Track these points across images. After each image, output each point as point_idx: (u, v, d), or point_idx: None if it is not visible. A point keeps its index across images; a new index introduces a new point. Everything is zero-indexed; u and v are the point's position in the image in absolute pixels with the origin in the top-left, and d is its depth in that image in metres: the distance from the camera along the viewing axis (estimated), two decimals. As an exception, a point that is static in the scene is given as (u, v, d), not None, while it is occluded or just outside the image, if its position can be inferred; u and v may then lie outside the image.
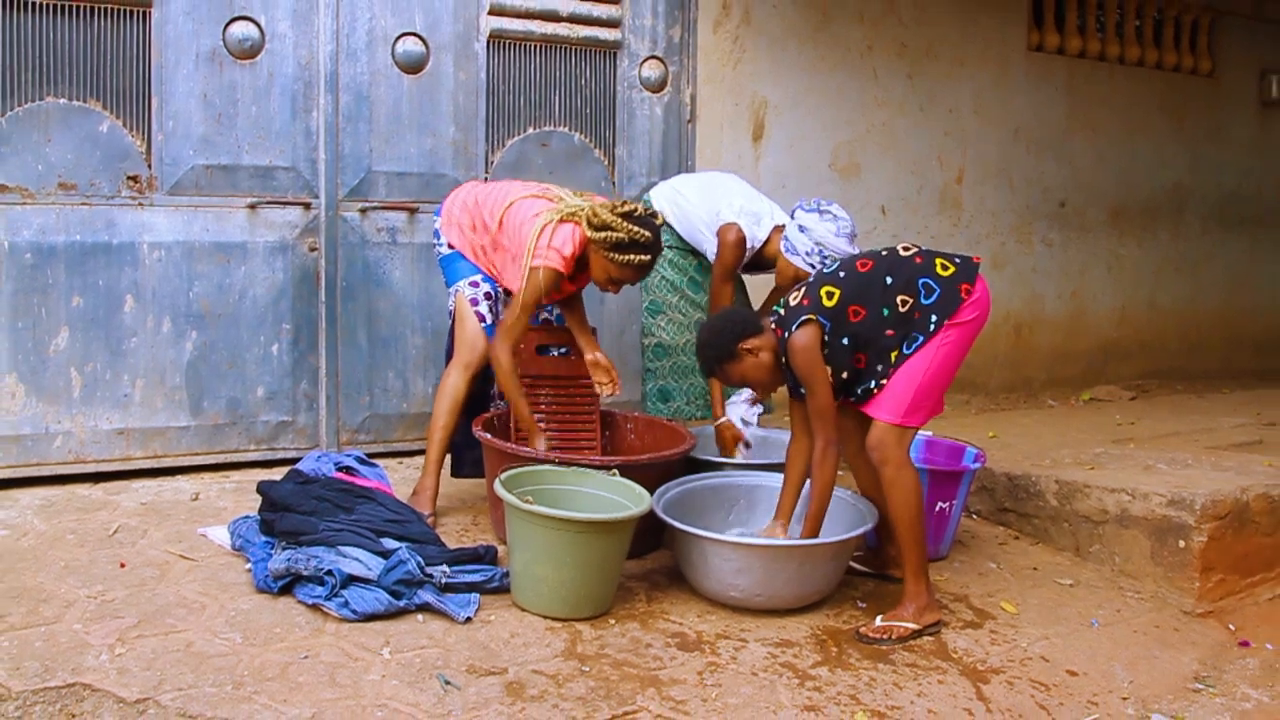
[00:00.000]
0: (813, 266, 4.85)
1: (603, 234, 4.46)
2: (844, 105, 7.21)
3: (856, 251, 4.65)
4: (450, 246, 4.88)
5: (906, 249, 4.16)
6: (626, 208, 4.53)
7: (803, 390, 4.17)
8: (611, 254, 4.47)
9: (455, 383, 4.82)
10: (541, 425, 4.73)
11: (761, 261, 5.29)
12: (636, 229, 4.46)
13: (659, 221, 4.61)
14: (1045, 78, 8.20)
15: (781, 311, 4.14)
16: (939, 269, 4.07)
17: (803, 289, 4.14)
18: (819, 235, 4.82)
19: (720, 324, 4.23)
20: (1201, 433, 6.59)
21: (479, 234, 4.80)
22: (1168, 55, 8.91)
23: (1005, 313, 7.94)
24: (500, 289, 4.87)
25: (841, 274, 4.11)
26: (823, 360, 4.01)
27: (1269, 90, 9.53)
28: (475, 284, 4.83)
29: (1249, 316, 9.69)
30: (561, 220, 4.57)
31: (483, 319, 4.81)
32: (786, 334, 4.03)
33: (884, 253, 4.16)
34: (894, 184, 7.47)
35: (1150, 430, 6.65)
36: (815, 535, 4.21)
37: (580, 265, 4.65)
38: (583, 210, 4.56)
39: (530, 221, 4.59)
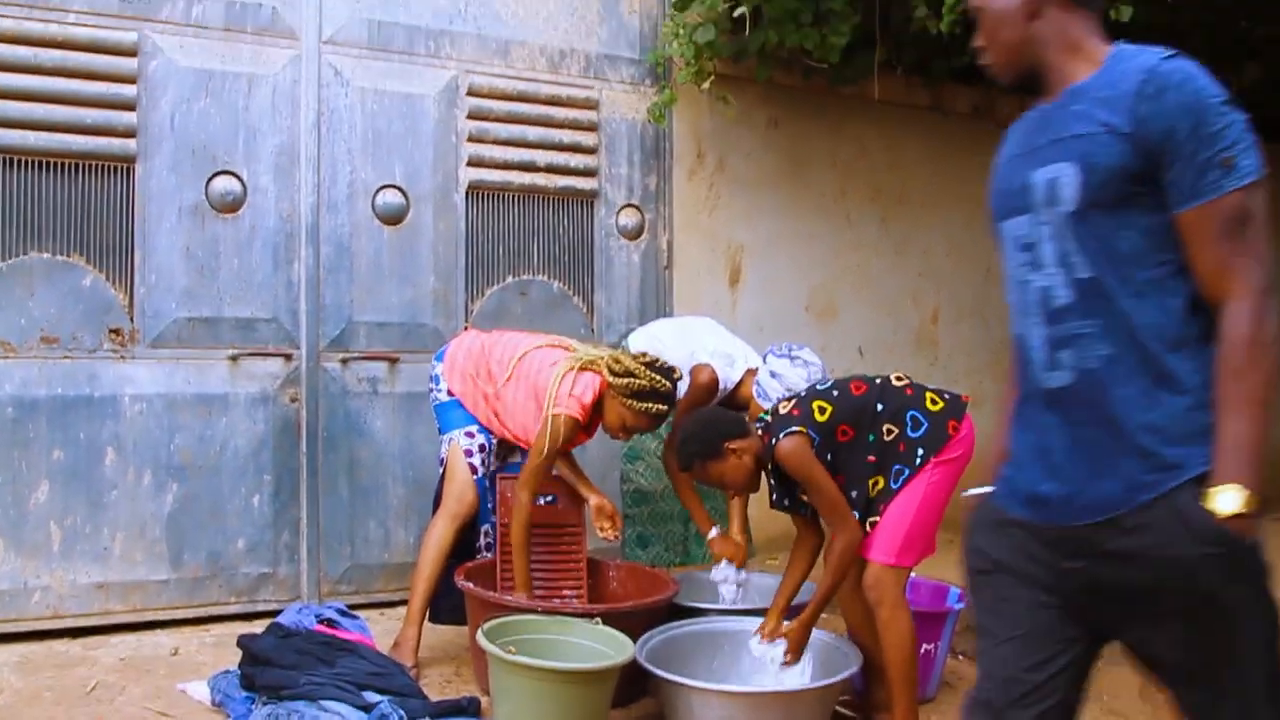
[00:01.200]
0: None
1: (625, 380, 4.51)
2: (819, 248, 7.33)
3: None
4: (450, 393, 4.91)
5: (899, 379, 4.19)
6: (648, 358, 4.60)
7: (787, 502, 4.19)
8: (631, 401, 4.52)
9: (441, 533, 4.81)
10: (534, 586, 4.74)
11: (735, 403, 5.32)
12: (658, 378, 4.53)
13: (677, 375, 4.67)
14: (1015, 217, 8.32)
15: (769, 419, 4.15)
16: (928, 403, 4.10)
17: (794, 399, 4.15)
18: (790, 382, 4.85)
19: (707, 420, 4.20)
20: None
21: (483, 381, 4.84)
22: (1134, 194, 9.08)
23: (983, 449, 7.95)
24: (494, 441, 4.90)
25: (835, 393, 4.12)
26: (817, 459, 4.01)
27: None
28: (471, 434, 4.85)
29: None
30: (581, 369, 4.63)
31: (474, 470, 4.83)
32: (774, 440, 4.03)
33: (877, 380, 4.18)
34: (870, 325, 7.55)
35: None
36: (815, 617, 4.19)
37: (590, 421, 4.70)
38: (601, 359, 4.62)
39: (548, 370, 4.65)
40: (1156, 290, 2.15)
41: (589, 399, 4.60)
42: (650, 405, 4.54)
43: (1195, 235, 2.11)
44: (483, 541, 4.99)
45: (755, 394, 5.03)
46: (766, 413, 4.22)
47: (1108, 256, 2.17)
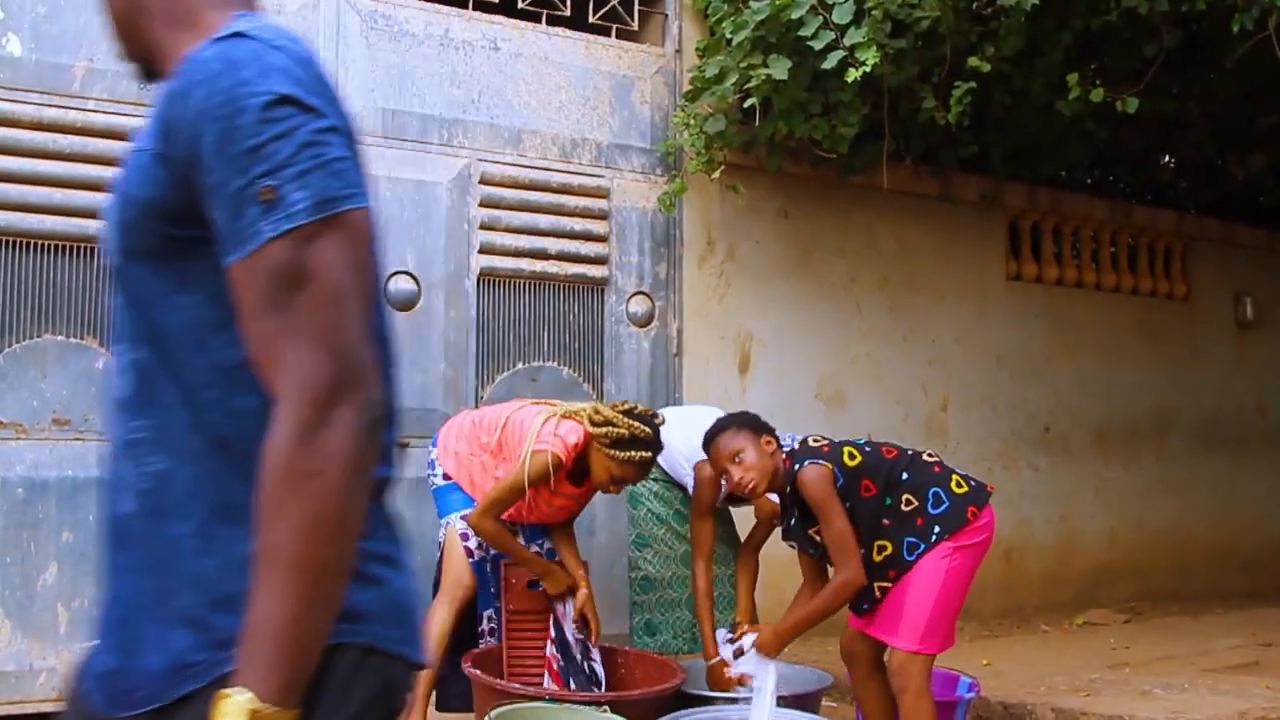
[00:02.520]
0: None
1: (604, 429, 4.52)
2: (828, 337, 7.36)
3: None
4: (446, 477, 4.92)
5: (930, 456, 4.20)
6: (626, 405, 4.62)
7: (798, 538, 4.19)
8: (613, 451, 4.52)
9: (441, 617, 4.79)
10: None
11: (743, 495, 5.30)
12: (637, 425, 4.53)
13: (659, 421, 4.67)
14: (1025, 306, 8.38)
15: (795, 446, 4.14)
16: (954, 485, 4.10)
17: (823, 440, 4.15)
18: None
19: (750, 415, 4.29)
20: (1197, 655, 6.53)
21: (477, 455, 4.84)
22: (1143, 280, 9.15)
23: (996, 538, 7.77)
24: None
25: (866, 449, 4.14)
26: (836, 495, 3.99)
27: (1244, 312, 9.74)
28: (467, 518, 4.86)
29: (1237, 536, 9.68)
30: (564, 417, 4.64)
31: (471, 555, 4.82)
32: (798, 465, 4.02)
33: (909, 451, 4.20)
34: (880, 413, 7.56)
35: (1145, 654, 6.59)
36: (793, 631, 4.16)
37: (579, 476, 4.69)
38: (584, 410, 4.63)
39: (531, 419, 4.66)
40: (224, 381, 1.45)
41: (573, 440, 4.58)
42: (633, 453, 4.54)
43: (240, 304, 1.38)
44: (485, 626, 4.97)
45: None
46: (795, 442, 4.21)
47: (156, 329, 1.49)
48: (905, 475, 4.09)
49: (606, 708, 4.22)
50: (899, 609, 4.04)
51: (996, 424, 8.18)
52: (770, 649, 4.19)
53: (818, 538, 4.14)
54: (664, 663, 4.94)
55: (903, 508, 4.06)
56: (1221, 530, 9.56)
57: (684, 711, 4.57)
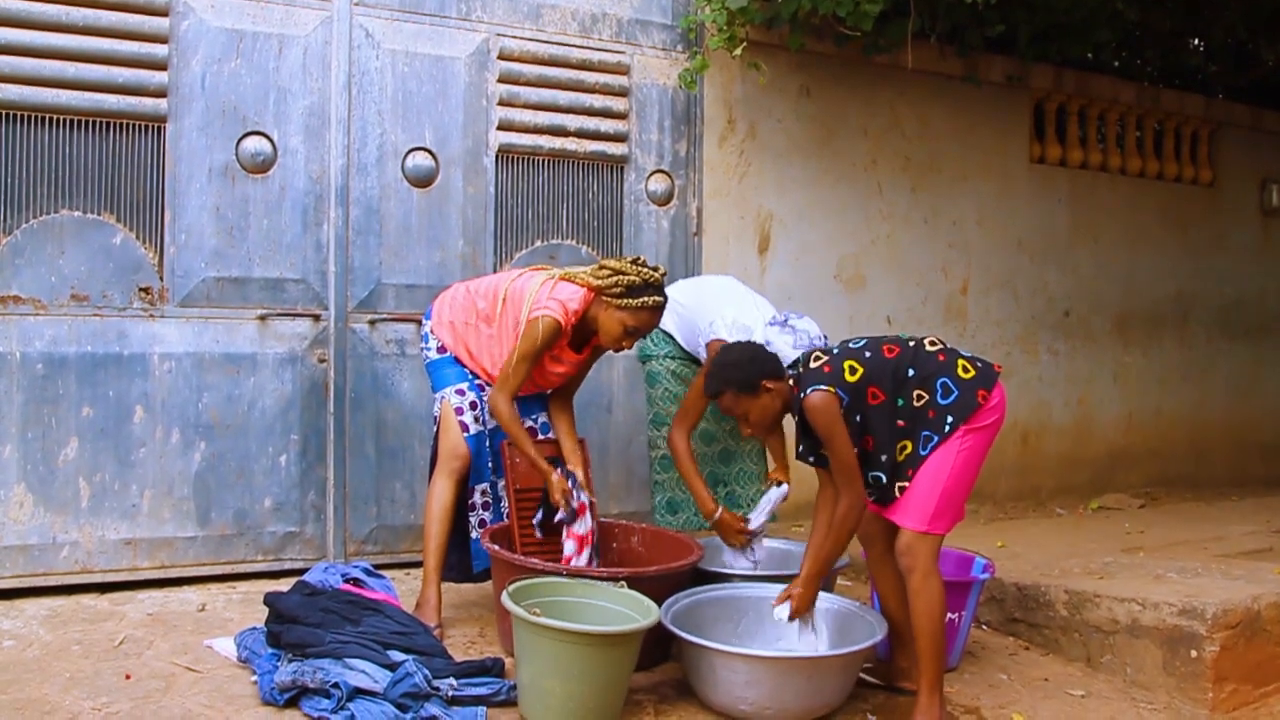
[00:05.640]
0: None
1: (614, 279, 4.51)
2: (849, 218, 7.30)
3: None
4: (440, 350, 4.91)
5: (933, 344, 4.17)
6: (630, 257, 4.61)
7: (811, 458, 4.22)
8: (626, 299, 4.53)
9: (441, 491, 4.83)
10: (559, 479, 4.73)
11: None
12: (646, 270, 4.53)
13: (662, 271, 4.67)
14: (1048, 189, 8.30)
15: (800, 369, 4.13)
16: (960, 370, 4.08)
17: (826, 355, 4.12)
18: (778, 348, 4.78)
19: (750, 354, 4.19)
20: (1211, 541, 6.55)
21: (473, 323, 4.83)
22: (1169, 166, 9.03)
23: (1012, 421, 7.88)
24: (486, 396, 4.87)
25: (867, 354, 4.10)
26: (842, 420, 3.99)
27: (1270, 199, 9.63)
28: (461, 392, 4.86)
29: (1255, 424, 9.69)
30: (562, 279, 4.61)
31: (466, 429, 4.83)
32: (803, 394, 4.01)
33: (910, 343, 4.16)
34: (899, 295, 7.53)
35: (1159, 538, 6.62)
36: (818, 579, 4.24)
37: (579, 343, 4.67)
38: (583, 271, 4.61)
39: (529, 283, 4.65)
40: None
41: (574, 306, 4.57)
42: (646, 299, 4.54)
43: None
44: (478, 500, 4.99)
45: None
46: (797, 362, 4.19)
47: None
48: (911, 371, 4.07)
49: (623, 583, 4.26)
50: (910, 492, 4.05)
51: (1016, 308, 8.14)
52: (806, 606, 4.28)
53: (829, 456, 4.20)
54: (681, 540, 4.97)
55: (914, 404, 4.05)
56: (1239, 417, 9.57)
57: (700, 588, 4.61)
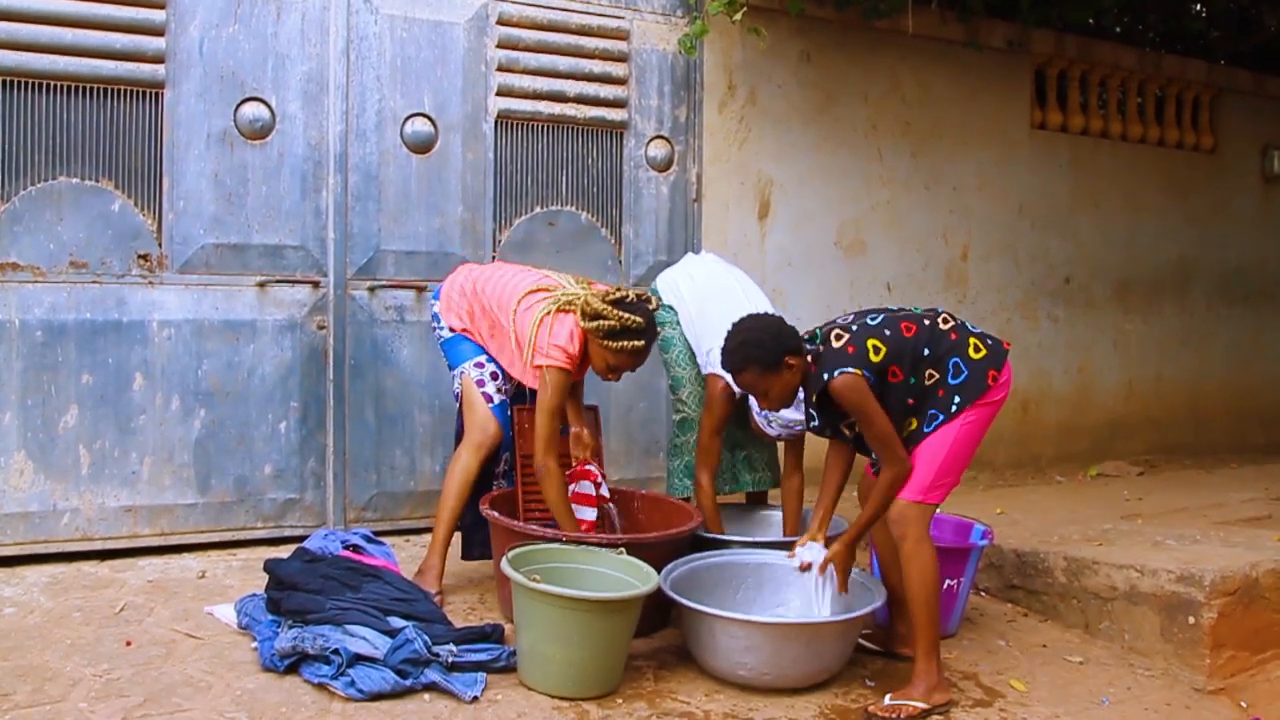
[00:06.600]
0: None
1: (595, 323, 4.52)
2: (849, 183, 7.27)
3: None
4: (451, 330, 4.92)
5: (945, 321, 4.16)
6: (617, 294, 4.60)
7: (829, 432, 4.26)
8: (606, 342, 4.54)
9: (466, 463, 4.83)
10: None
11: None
12: (628, 316, 4.50)
13: (652, 306, 4.66)
14: (1049, 155, 8.27)
15: (820, 347, 4.10)
16: (971, 350, 4.08)
17: (845, 335, 4.07)
18: None
19: (773, 329, 4.13)
20: (1210, 508, 6.56)
21: (480, 319, 4.84)
22: (1170, 132, 9.00)
23: (1013, 388, 7.88)
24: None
25: (887, 332, 4.07)
26: (873, 396, 3.97)
27: (1271, 165, 9.60)
28: (480, 365, 4.86)
29: (1255, 391, 9.69)
30: (559, 310, 4.61)
31: (490, 399, 4.83)
32: (826, 376, 3.98)
33: (926, 321, 4.14)
34: (899, 261, 7.51)
35: (1158, 506, 6.62)
36: (858, 537, 4.26)
37: (581, 356, 4.69)
38: (579, 299, 4.60)
39: (527, 321, 4.65)
40: None
41: (575, 349, 4.61)
42: (625, 343, 4.54)
43: None
44: (502, 468, 5.01)
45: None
46: (814, 336, 4.17)
47: None
48: (926, 351, 4.06)
49: (622, 550, 4.27)
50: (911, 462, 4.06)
51: (1017, 274, 8.12)
52: (843, 562, 4.30)
53: (847, 431, 4.22)
54: (680, 506, 4.99)
55: (925, 382, 4.06)
56: (1239, 385, 9.56)
57: (698, 554, 4.62)
